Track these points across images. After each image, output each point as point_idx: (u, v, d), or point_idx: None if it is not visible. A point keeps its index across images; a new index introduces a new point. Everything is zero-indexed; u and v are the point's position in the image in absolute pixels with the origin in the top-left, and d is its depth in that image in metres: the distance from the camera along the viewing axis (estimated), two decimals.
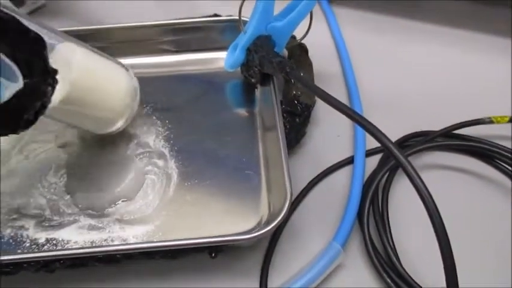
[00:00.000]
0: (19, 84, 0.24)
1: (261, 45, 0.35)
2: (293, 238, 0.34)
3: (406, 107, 0.41)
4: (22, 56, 0.25)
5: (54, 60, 0.27)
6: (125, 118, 0.34)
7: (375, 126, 0.25)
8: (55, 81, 0.26)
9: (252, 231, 0.30)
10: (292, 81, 0.39)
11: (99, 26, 0.41)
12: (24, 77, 0.24)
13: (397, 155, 0.23)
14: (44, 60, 0.26)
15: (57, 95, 0.28)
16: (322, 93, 0.28)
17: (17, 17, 0.27)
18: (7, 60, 0.24)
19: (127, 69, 0.35)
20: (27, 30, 0.25)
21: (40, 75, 0.25)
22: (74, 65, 0.30)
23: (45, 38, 0.28)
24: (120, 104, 0.33)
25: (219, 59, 0.41)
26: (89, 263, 0.30)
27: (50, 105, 0.27)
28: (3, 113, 0.24)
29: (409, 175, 0.23)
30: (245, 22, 0.37)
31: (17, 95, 0.24)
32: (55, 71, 0.26)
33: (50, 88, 0.26)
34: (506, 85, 0.43)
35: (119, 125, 0.34)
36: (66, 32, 0.39)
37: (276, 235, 0.33)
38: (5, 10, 0.24)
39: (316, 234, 0.34)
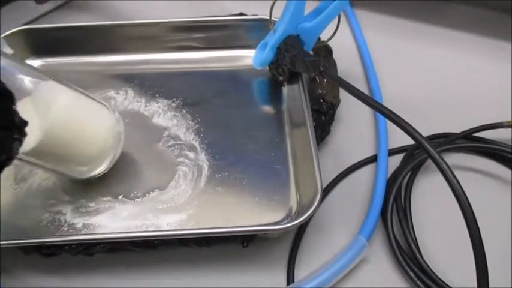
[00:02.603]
0: None
1: (292, 45, 0.37)
2: (318, 232, 0.35)
3: (427, 109, 0.42)
4: None
5: (34, 101, 0.26)
6: (104, 165, 0.32)
7: (408, 123, 0.26)
8: (23, 135, 0.25)
9: (282, 222, 0.31)
10: (318, 80, 0.40)
11: (128, 22, 0.42)
12: None
13: (429, 150, 0.25)
14: (9, 114, 0.24)
15: (29, 142, 0.27)
16: (357, 92, 0.30)
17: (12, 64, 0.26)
18: None
19: (113, 112, 0.33)
20: None
21: (5, 130, 0.24)
22: (53, 108, 0.28)
23: (26, 78, 0.27)
24: (99, 151, 0.31)
25: (245, 57, 0.42)
26: (126, 248, 0.31)
27: (20, 154, 0.25)
28: None
29: (442, 170, 0.24)
30: (274, 22, 0.38)
31: None
32: (24, 123, 0.25)
33: (16, 143, 0.24)
34: None
35: (98, 171, 0.32)
36: (95, 26, 0.41)
37: (302, 228, 0.34)
38: None
39: (340, 229, 0.35)
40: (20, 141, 0.24)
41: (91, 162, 0.32)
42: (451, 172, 0.24)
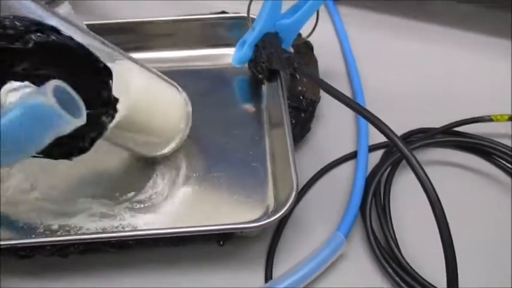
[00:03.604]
0: (82, 120, 0.23)
1: (269, 42, 0.36)
2: (297, 229, 0.35)
3: (408, 104, 0.42)
4: (87, 87, 0.24)
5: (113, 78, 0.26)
6: (175, 142, 0.34)
7: (380, 120, 0.26)
8: (115, 111, 0.26)
9: (259, 220, 0.31)
10: (298, 77, 0.40)
11: (109, 21, 0.42)
12: (86, 107, 0.23)
13: (400, 147, 0.25)
14: (109, 91, 0.25)
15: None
16: (329, 88, 0.29)
17: (88, 41, 0.27)
18: (74, 94, 0.22)
19: (181, 93, 0.34)
20: (96, 60, 0.24)
21: (102, 106, 0.25)
22: (132, 88, 0.29)
23: (104, 54, 0.27)
24: (174, 129, 0.33)
25: (226, 55, 0.42)
26: (101, 249, 0.31)
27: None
28: (58, 139, 0.22)
29: (412, 166, 0.24)
30: (253, 19, 0.38)
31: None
32: (116, 100, 0.26)
33: (110, 118, 0.26)
34: (506, 85, 0.44)
35: (169, 149, 0.34)
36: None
37: (280, 226, 0.34)
38: (75, 40, 0.23)
39: (319, 226, 0.35)
40: (113, 117, 0.26)
41: (162, 140, 0.33)
42: (419, 164, 0.24)
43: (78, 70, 0.24)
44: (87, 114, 0.23)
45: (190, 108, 0.34)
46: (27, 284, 0.31)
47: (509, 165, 0.37)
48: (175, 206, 0.33)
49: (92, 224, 0.32)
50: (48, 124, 0.21)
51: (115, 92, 0.26)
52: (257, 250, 0.33)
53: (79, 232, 0.31)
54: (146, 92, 0.30)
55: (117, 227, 0.31)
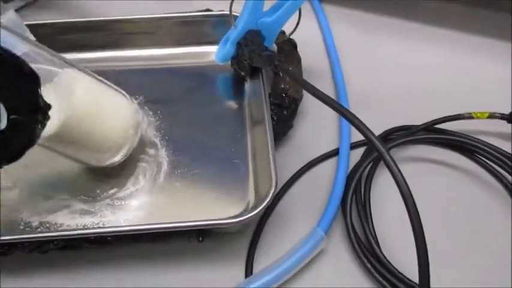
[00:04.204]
0: (1, 124, 0.22)
1: (251, 40, 0.37)
2: (279, 225, 0.35)
3: (391, 102, 0.43)
4: (11, 92, 0.23)
5: (55, 87, 0.26)
6: (123, 153, 0.32)
7: (355, 117, 0.27)
8: (46, 118, 0.25)
9: (237, 216, 0.31)
10: (281, 74, 0.40)
11: (91, 19, 0.42)
12: (12, 113, 0.23)
13: (375, 143, 0.25)
14: (36, 97, 0.24)
15: (51, 128, 0.27)
16: (308, 86, 0.30)
17: (32, 49, 0.27)
18: None
19: (132, 101, 0.33)
20: (22, 66, 0.24)
21: (29, 113, 0.24)
22: (75, 96, 0.29)
23: (47, 65, 0.27)
24: (119, 138, 0.32)
25: (210, 53, 0.42)
26: (81, 245, 0.31)
27: (40, 139, 0.26)
28: None
29: (385, 161, 0.24)
30: (236, 17, 0.38)
31: (1, 131, 0.23)
32: (48, 107, 0.25)
33: (39, 125, 0.25)
34: (487, 82, 0.44)
35: (116, 159, 0.32)
36: (57, 23, 0.41)
37: (262, 222, 0.34)
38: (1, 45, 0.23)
39: (301, 222, 0.35)
40: (43, 125, 0.25)
41: (110, 151, 0.32)
42: (391, 159, 0.24)
43: (2, 76, 0.23)
44: (13, 120, 0.23)
45: (140, 117, 0.34)
46: (6, 281, 0.31)
47: (489, 162, 0.38)
48: (156, 202, 0.33)
49: (72, 220, 0.32)
50: None
51: (58, 100, 0.26)
52: (238, 246, 0.34)
53: (59, 229, 0.31)
54: (90, 100, 0.30)
55: (97, 224, 0.32)
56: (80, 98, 0.29)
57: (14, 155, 0.24)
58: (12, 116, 0.23)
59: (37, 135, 0.25)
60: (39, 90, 0.24)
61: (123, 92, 0.33)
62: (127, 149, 0.33)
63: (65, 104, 0.28)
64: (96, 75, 0.32)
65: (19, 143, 0.24)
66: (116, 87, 0.33)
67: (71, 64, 0.30)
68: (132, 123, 0.32)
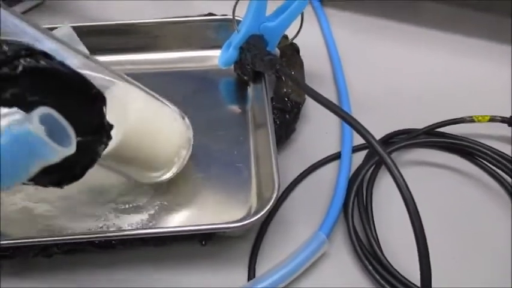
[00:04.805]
0: (71, 149, 0.21)
1: (254, 44, 0.37)
2: (281, 229, 0.35)
3: (394, 106, 0.43)
4: (78, 113, 0.23)
5: (108, 103, 0.25)
6: (174, 170, 0.32)
7: (356, 121, 0.27)
8: (109, 138, 0.25)
9: (240, 220, 0.31)
10: (283, 79, 0.40)
11: (94, 23, 0.42)
12: (79, 134, 0.22)
13: (375, 146, 0.25)
14: (102, 118, 0.24)
15: (109, 146, 0.26)
16: (309, 90, 0.30)
17: (87, 64, 0.26)
18: (63, 122, 0.21)
19: (183, 117, 0.33)
20: (89, 87, 0.23)
21: (95, 134, 0.24)
22: (131, 113, 0.28)
23: (101, 77, 0.27)
24: (172, 157, 0.31)
25: (213, 57, 0.42)
26: (85, 249, 0.31)
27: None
28: (48, 167, 0.21)
29: (386, 164, 0.24)
30: (239, 22, 0.38)
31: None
32: (110, 127, 0.25)
33: (103, 146, 0.25)
34: (489, 86, 0.44)
35: (167, 176, 0.32)
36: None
37: (264, 225, 0.35)
38: (67, 65, 0.22)
39: (303, 226, 0.35)
40: (106, 144, 0.25)
41: (163, 168, 0.31)
42: (393, 162, 0.24)
43: (69, 97, 0.23)
44: (79, 142, 0.22)
45: (191, 134, 0.33)
46: (11, 284, 0.32)
47: (490, 166, 0.38)
48: (159, 206, 0.33)
49: (76, 224, 0.32)
50: (34, 153, 0.20)
51: (111, 116, 0.25)
52: (241, 250, 0.34)
53: (64, 233, 0.31)
54: (145, 117, 0.29)
55: (101, 228, 0.32)
56: (136, 114, 0.29)
57: (76, 176, 0.24)
58: (79, 139, 0.22)
59: (99, 156, 0.25)
60: (104, 111, 0.24)
61: (174, 106, 0.33)
62: (178, 167, 0.32)
63: (120, 121, 0.27)
64: (147, 89, 0.31)
65: (81, 164, 0.24)
66: (166, 101, 0.32)
67: (123, 78, 0.30)
68: (185, 142, 0.32)
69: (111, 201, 0.33)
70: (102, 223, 0.32)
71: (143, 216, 0.32)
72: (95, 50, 0.42)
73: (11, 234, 0.31)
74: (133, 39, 0.43)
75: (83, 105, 0.23)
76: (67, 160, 0.21)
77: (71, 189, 0.32)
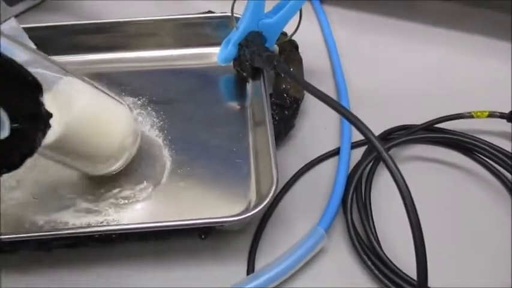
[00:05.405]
0: (4, 132, 0.22)
1: (252, 41, 0.37)
2: (280, 224, 0.35)
3: (392, 102, 0.43)
4: (12, 100, 0.23)
5: (54, 96, 0.26)
6: (121, 162, 0.33)
7: (355, 116, 0.27)
8: (47, 126, 0.25)
9: (238, 215, 0.31)
10: (282, 75, 0.40)
11: (95, 21, 0.42)
12: (13, 121, 0.23)
13: (372, 140, 0.25)
14: (37, 105, 0.24)
15: (50, 137, 0.27)
16: (307, 85, 0.30)
17: (33, 58, 0.27)
18: None
19: (130, 111, 0.34)
20: (24, 74, 0.24)
21: (31, 121, 0.24)
22: (75, 105, 0.29)
23: (48, 72, 0.27)
24: (117, 149, 0.32)
25: (212, 54, 0.43)
26: (86, 244, 0.31)
27: (40, 147, 0.26)
28: None
29: (383, 159, 0.25)
30: (237, 19, 0.39)
31: (1, 140, 0.23)
32: (49, 115, 0.25)
33: (40, 133, 0.25)
34: (488, 82, 0.45)
35: (114, 168, 0.33)
36: (61, 26, 0.42)
37: (264, 220, 0.35)
38: (1, 53, 0.23)
39: (302, 221, 0.35)
40: (44, 133, 0.25)
41: (108, 160, 0.32)
42: (390, 158, 0.24)
43: (4, 83, 0.23)
44: (14, 128, 0.22)
45: (138, 126, 0.34)
46: (12, 279, 0.32)
47: (489, 161, 0.38)
48: (159, 201, 0.33)
49: (77, 219, 0.32)
50: None
51: (58, 109, 0.26)
52: (240, 244, 0.34)
53: (64, 227, 0.32)
54: (89, 109, 0.30)
55: (102, 222, 0.32)
56: (80, 107, 0.29)
57: (14, 164, 0.24)
58: (13, 125, 0.23)
59: (38, 144, 0.25)
60: (40, 98, 0.24)
61: (121, 100, 0.33)
62: (125, 158, 0.33)
63: (64, 113, 0.28)
64: (94, 83, 0.32)
65: (20, 152, 0.24)
66: (113, 95, 0.33)
67: (70, 72, 0.30)
68: (131, 132, 0.33)
69: (111, 197, 0.33)
70: (102, 218, 0.32)
71: (143, 211, 0.33)
72: (92, 48, 0.43)
73: (11, 230, 0.31)
74: (133, 37, 0.43)
75: (19, 93, 0.24)
76: (3, 147, 0.22)
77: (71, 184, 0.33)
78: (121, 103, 0.33)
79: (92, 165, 0.32)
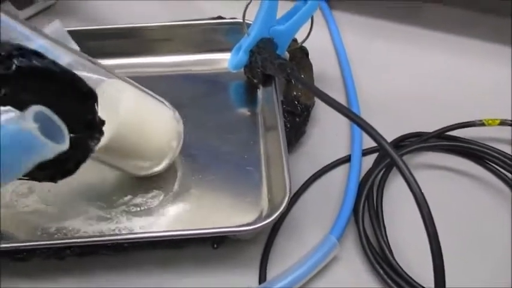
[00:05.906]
0: (64, 145, 0.22)
1: (264, 48, 0.37)
2: (292, 232, 0.35)
3: (402, 109, 0.43)
4: (70, 112, 0.23)
5: (100, 98, 0.25)
6: (165, 162, 0.33)
7: (368, 124, 0.27)
8: (101, 133, 0.26)
9: (251, 224, 0.31)
10: (293, 82, 0.40)
11: (107, 27, 0.43)
12: (71, 131, 0.23)
13: (388, 149, 0.25)
14: (94, 115, 0.25)
15: (101, 141, 0.27)
16: (320, 93, 0.30)
17: (78, 60, 0.27)
18: (56, 120, 0.21)
19: (174, 111, 0.34)
20: (80, 84, 0.24)
21: (87, 130, 0.25)
22: (122, 108, 0.29)
23: (92, 75, 0.28)
24: (164, 149, 0.32)
25: (223, 60, 0.43)
26: (97, 252, 0.31)
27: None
28: (42, 163, 0.22)
29: (399, 168, 0.24)
30: (249, 25, 0.39)
31: None
32: (102, 123, 0.25)
33: (95, 141, 0.25)
34: (498, 89, 0.44)
35: (159, 169, 0.33)
36: (75, 31, 0.42)
37: (275, 229, 0.35)
38: (59, 64, 0.23)
39: (313, 229, 0.35)
40: (99, 140, 0.26)
41: (153, 160, 0.32)
42: (406, 166, 0.24)
43: (61, 95, 0.23)
44: (72, 139, 0.23)
45: (182, 127, 0.34)
46: (24, 285, 0.32)
47: (501, 169, 0.38)
48: (170, 209, 0.33)
49: (89, 227, 0.32)
50: (29, 150, 0.20)
51: (103, 112, 0.26)
52: (251, 253, 0.34)
53: (76, 235, 0.32)
54: (136, 112, 0.30)
55: (113, 230, 0.32)
56: (127, 109, 0.29)
57: (69, 171, 0.25)
58: (72, 135, 0.23)
59: (92, 151, 0.25)
60: (96, 108, 0.25)
61: (165, 101, 0.33)
62: (169, 159, 0.33)
63: (112, 116, 0.28)
64: (138, 85, 0.32)
65: (74, 159, 0.25)
66: (157, 96, 0.33)
67: (113, 74, 0.30)
68: (175, 135, 0.33)
69: (123, 204, 0.33)
70: (114, 226, 0.32)
71: (155, 219, 0.33)
72: (106, 53, 0.43)
73: (23, 237, 0.31)
74: (144, 42, 0.43)
75: (75, 103, 0.24)
76: (61, 156, 0.22)
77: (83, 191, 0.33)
78: (164, 104, 0.33)
79: (137, 166, 0.33)
